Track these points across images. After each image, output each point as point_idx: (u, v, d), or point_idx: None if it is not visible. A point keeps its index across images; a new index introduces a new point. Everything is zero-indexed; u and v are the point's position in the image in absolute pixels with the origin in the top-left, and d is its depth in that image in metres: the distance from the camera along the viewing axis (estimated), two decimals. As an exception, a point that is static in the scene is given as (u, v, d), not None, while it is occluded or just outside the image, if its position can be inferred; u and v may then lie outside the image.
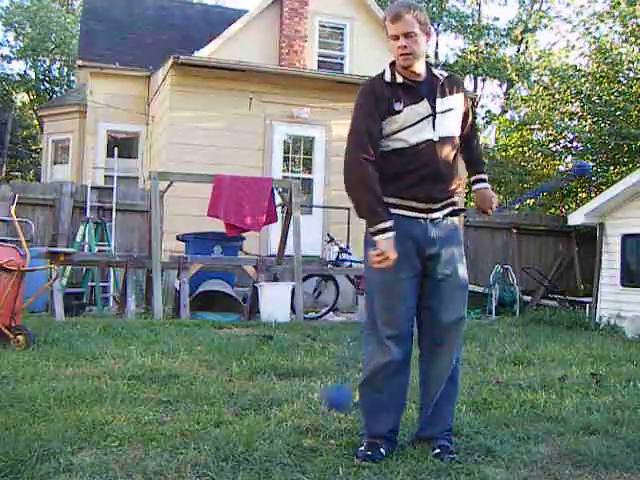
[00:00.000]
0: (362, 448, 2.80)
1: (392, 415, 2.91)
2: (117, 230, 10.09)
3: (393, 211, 2.80)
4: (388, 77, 2.85)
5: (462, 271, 2.94)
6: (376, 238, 2.70)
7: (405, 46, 2.76)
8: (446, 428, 2.93)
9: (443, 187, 2.84)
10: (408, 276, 2.81)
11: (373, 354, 2.86)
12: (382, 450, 2.79)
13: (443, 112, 2.82)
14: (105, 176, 12.20)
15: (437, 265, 2.85)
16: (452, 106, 2.86)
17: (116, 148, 11.81)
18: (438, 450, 2.80)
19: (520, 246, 12.33)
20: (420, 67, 2.84)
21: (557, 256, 12.48)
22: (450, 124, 2.86)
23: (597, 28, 16.22)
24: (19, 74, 27.83)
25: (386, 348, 2.81)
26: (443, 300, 2.87)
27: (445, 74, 2.92)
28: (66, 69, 27.72)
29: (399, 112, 2.77)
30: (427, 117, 2.79)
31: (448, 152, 2.83)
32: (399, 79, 2.83)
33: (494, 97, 26.12)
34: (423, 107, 2.79)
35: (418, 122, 2.78)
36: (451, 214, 2.90)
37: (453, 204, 2.90)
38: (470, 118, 3.03)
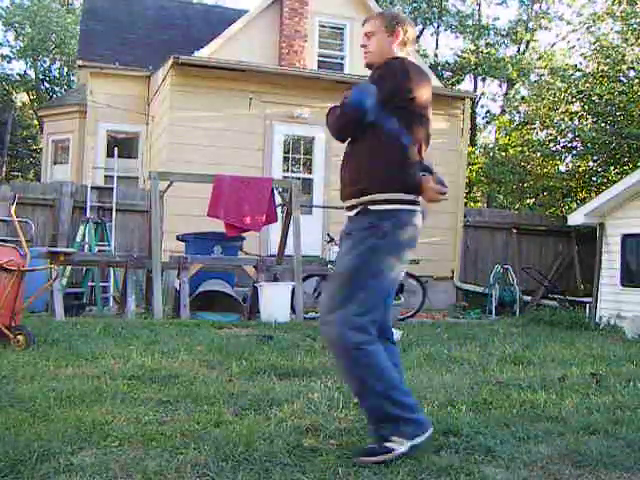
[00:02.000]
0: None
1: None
2: (117, 230, 10.10)
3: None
4: None
5: None
6: None
7: (365, 44, 3.02)
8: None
9: None
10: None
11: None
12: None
13: None
14: (105, 176, 12.21)
15: None
16: None
17: (116, 148, 11.82)
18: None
19: (520, 246, 12.34)
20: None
21: (557, 256, 12.49)
22: None
23: (599, 28, 16.22)
24: (19, 74, 27.86)
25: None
26: None
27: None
28: (66, 69, 27.74)
29: None
30: None
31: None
32: None
33: (494, 96, 26.10)
34: None
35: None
36: None
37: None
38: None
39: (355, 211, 2.90)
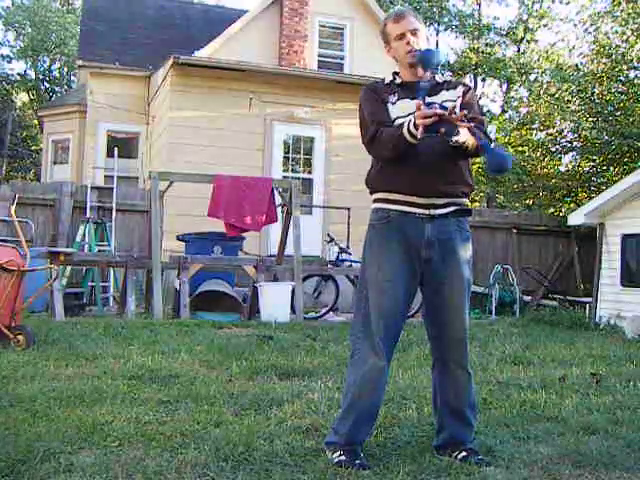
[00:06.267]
0: (344, 458, 2.65)
1: (374, 420, 2.88)
2: (117, 230, 10.09)
3: (393, 207, 2.77)
4: (387, 80, 2.94)
5: (466, 273, 2.85)
6: (411, 124, 2.60)
7: (414, 41, 2.82)
8: (472, 432, 2.90)
9: (445, 181, 2.75)
10: (404, 277, 2.75)
11: (366, 358, 2.75)
12: (362, 453, 2.73)
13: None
14: (105, 176, 12.21)
15: (436, 268, 2.78)
16: (446, 98, 2.81)
17: (116, 148, 11.82)
18: (465, 453, 2.76)
19: (520, 246, 12.33)
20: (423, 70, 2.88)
21: (557, 256, 12.48)
22: None
23: (596, 28, 16.21)
24: (19, 74, 27.88)
25: (380, 350, 2.74)
26: (444, 305, 2.83)
27: (448, 79, 2.93)
28: (66, 69, 27.75)
29: (392, 104, 2.82)
30: None
31: (447, 146, 2.71)
32: (398, 81, 2.91)
33: (494, 96, 26.08)
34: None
35: (411, 114, 2.73)
36: (457, 214, 2.82)
37: (459, 204, 2.83)
38: (473, 110, 2.86)
39: (449, 210, 2.80)
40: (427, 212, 2.76)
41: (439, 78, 2.94)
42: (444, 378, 2.90)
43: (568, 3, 21.36)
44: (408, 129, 2.63)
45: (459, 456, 2.76)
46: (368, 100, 2.89)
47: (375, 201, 2.87)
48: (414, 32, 2.82)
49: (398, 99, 2.82)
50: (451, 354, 2.88)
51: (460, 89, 2.89)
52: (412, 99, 2.78)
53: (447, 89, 2.87)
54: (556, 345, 6.59)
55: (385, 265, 2.76)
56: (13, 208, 7.29)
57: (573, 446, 3.01)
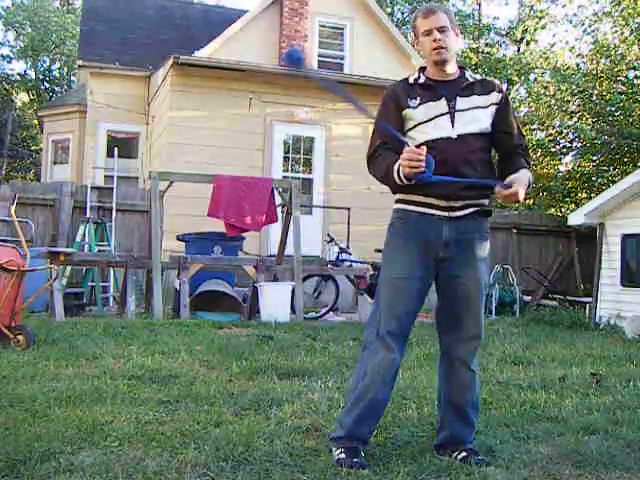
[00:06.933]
0: (343, 456, 2.66)
1: (378, 417, 2.87)
2: (117, 230, 10.09)
3: (412, 208, 2.78)
4: (412, 79, 2.88)
5: (481, 274, 2.82)
6: (399, 169, 2.66)
7: (440, 39, 2.76)
8: (473, 433, 2.90)
9: (463, 185, 2.71)
10: (418, 276, 2.76)
11: (377, 351, 2.75)
12: (362, 453, 2.72)
13: (464, 110, 2.76)
14: (105, 176, 12.22)
15: (452, 266, 2.77)
16: (477, 104, 2.78)
17: (116, 148, 11.82)
18: (465, 454, 2.76)
19: (520, 246, 12.33)
20: (452, 67, 2.84)
21: (557, 256, 12.48)
22: (472, 122, 2.76)
23: (593, 30, 16.23)
24: (19, 74, 27.89)
25: (391, 347, 2.74)
26: (458, 303, 2.82)
27: (478, 77, 2.87)
28: (66, 69, 27.75)
29: (414, 108, 2.77)
30: (444, 115, 2.74)
31: (470, 150, 2.73)
32: (421, 80, 2.84)
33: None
34: (440, 105, 2.76)
35: (434, 119, 2.74)
36: (476, 214, 2.79)
37: (479, 205, 2.80)
38: (508, 125, 2.84)
39: (467, 212, 2.77)
40: (446, 214, 2.75)
41: (470, 77, 2.85)
42: (448, 375, 2.90)
43: (564, 6, 21.42)
44: (398, 174, 2.68)
45: (459, 456, 2.76)
46: (383, 106, 2.87)
47: (396, 202, 2.88)
48: (442, 29, 2.76)
49: (420, 103, 2.76)
50: (458, 352, 2.85)
51: (494, 96, 2.83)
52: (435, 101, 2.76)
53: (480, 93, 2.80)
54: (556, 345, 6.59)
55: (400, 263, 2.78)
56: (13, 208, 7.29)
57: (573, 446, 3.01)
